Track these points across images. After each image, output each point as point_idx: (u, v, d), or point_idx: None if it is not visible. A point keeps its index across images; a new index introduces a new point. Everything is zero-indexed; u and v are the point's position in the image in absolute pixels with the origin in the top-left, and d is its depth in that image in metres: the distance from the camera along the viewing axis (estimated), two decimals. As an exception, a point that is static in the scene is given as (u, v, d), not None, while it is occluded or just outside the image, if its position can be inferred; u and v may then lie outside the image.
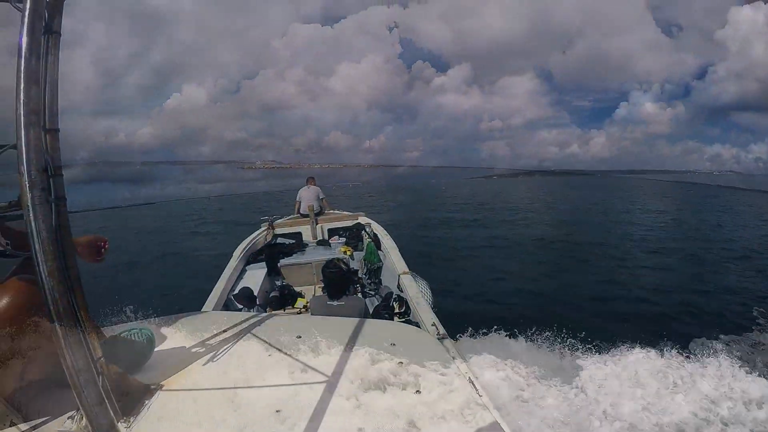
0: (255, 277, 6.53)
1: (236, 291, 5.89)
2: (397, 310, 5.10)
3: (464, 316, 8.13)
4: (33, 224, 0.53)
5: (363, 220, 9.54)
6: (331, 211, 10.91)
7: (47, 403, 1.35)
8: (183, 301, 9.92)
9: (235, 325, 1.82)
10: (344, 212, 10.81)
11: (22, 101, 0.54)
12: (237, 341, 1.66)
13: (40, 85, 1.05)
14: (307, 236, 9.43)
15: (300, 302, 6.19)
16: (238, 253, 7.32)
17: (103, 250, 1.83)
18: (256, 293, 5.85)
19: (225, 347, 1.61)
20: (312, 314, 4.27)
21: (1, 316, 1.14)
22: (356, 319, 1.79)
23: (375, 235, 8.15)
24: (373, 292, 6.15)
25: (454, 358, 1.49)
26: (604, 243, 17.05)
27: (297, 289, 6.53)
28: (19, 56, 0.86)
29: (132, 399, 1.27)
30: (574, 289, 10.51)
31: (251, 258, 7.53)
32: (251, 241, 8.15)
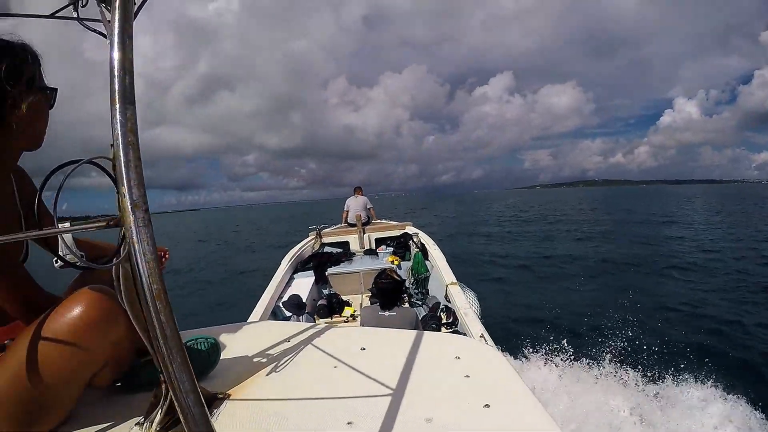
0: (303, 285, 6.59)
1: (284, 298, 5.96)
2: (444, 321, 5.08)
3: (512, 329, 8.02)
4: (137, 246, 0.53)
5: (410, 229, 9.53)
6: (379, 221, 10.97)
7: (113, 408, 1.38)
8: (231, 307, 10.10)
9: (296, 335, 1.83)
10: (391, 222, 10.84)
11: (119, 121, 0.55)
12: (300, 351, 1.67)
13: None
14: (354, 245, 9.50)
15: (347, 311, 6.23)
16: (287, 261, 7.41)
17: (163, 260, 1.87)
18: (304, 301, 5.92)
19: (288, 357, 1.62)
20: (363, 324, 4.28)
21: (74, 326, 1.15)
22: (418, 332, 1.78)
23: (422, 245, 8.12)
24: (420, 302, 6.14)
25: (519, 372, 1.47)
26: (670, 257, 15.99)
27: (344, 297, 6.58)
28: (112, 76, 0.90)
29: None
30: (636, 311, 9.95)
31: (299, 266, 7.62)
32: (299, 249, 8.24)
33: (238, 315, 8.97)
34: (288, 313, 5.59)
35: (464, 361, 1.52)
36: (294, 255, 7.75)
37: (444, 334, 1.89)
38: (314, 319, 5.77)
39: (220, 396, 1.37)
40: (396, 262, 7.69)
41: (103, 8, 1.08)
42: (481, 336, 3.94)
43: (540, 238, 22.52)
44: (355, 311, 6.18)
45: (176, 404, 0.76)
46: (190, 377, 0.66)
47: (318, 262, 7.49)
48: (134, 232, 0.53)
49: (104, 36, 1.10)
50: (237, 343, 1.70)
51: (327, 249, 8.93)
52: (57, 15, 1.10)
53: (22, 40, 1.37)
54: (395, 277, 4.32)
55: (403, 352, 1.60)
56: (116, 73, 0.59)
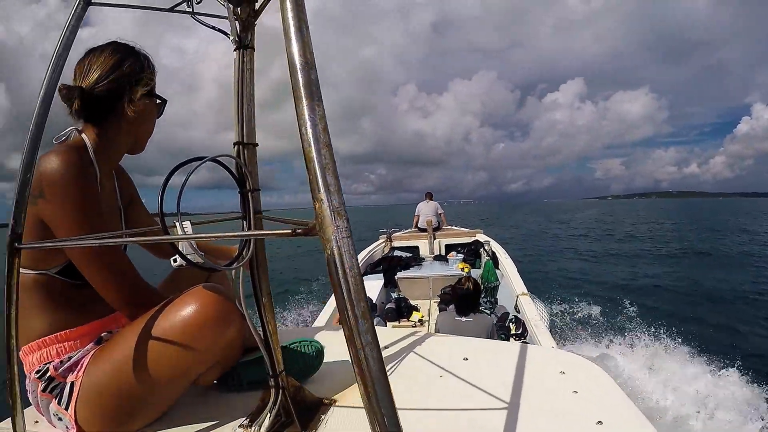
0: (372, 288, 6.62)
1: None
2: (513, 332, 4.98)
3: (582, 342, 7.73)
4: (341, 259, 0.50)
5: (481, 237, 9.41)
6: (449, 227, 10.91)
7: (213, 408, 1.38)
8: (298, 306, 10.24)
9: (396, 342, 1.81)
10: (462, 228, 10.76)
11: (309, 119, 0.52)
12: (401, 359, 1.64)
13: (240, 99, 1.10)
14: (424, 251, 9.48)
15: (415, 315, 6.21)
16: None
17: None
18: (374, 303, 5.94)
19: (391, 365, 1.60)
20: (439, 330, 4.28)
21: (188, 325, 1.15)
22: (520, 344, 1.73)
23: (493, 253, 8.00)
24: (488, 312, 6.05)
25: (623, 388, 1.40)
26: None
27: (413, 302, 6.56)
28: (293, 71, 0.89)
29: (309, 413, 1.28)
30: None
31: (369, 269, 7.67)
32: (369, 252, 8.29)
33: (305, 314, 9.12)
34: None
35: (570, 376, 1.47)
36: (364, 257, 7.81)
37: (547, 348, 1.83)
38: (384, 323, 5.77)
39: (326, 402, 1.35)
40: (466, 270, 7.61)
41: (226, 3, 1.09)
42: (552, 348, 3.86)
43: (625, 255, 21.02)
44: (423, 316, 6.15)
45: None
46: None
47: (388, 266, 7.52)
48: (336, 243, 0.50)
49: (224, 33, 1.12)
50: (335, 347, 1.68)
51: (397, 253, 8.95)
52: (176, 9, 1.11)
53: (145, 50, 1.45)
54: (472, 283, 4.30)
55: (506, 364, 1.56)
56: (298, 67, 0.56)
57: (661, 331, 7.61)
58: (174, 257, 1.24)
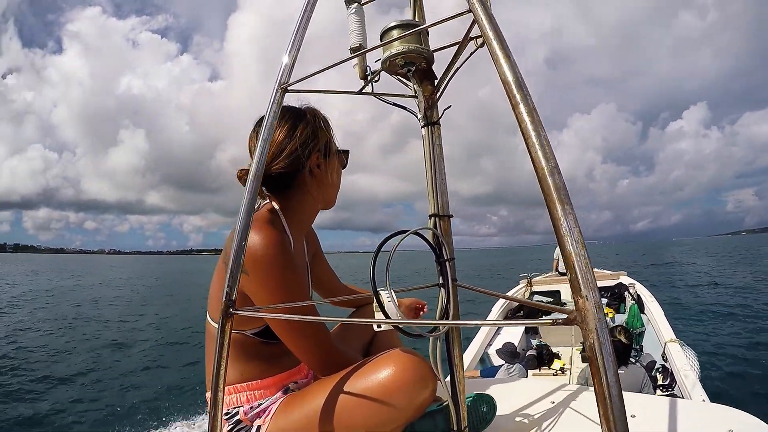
0: (513, 334, 6.48)
1: (494, 345, 5.91)
2: (660, 382, 4.65)
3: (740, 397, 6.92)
4: (600, 349, 0.56)
5: (625, 279, 8.89)
6: None
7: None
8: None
9: (548, 395, 1.78)
10: (604, 271, 10.24)
11: (565, 227, 0.60)
12: (561, 413, 1.62)
13: (434, 173, 1.18)
14: (565, 295, 9.10)
15: (557, 363, 5.99)
16: (497, 308, 7.37)
17: (421, 312, 1.93)
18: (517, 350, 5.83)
19: (551, 420, 1.58)
20: (588, 380, 4.10)
21: (385, 386, 1.18)
22: (684, 401, 1.64)
23: (638, 296, 7.54)
24: (633, 360, 5.70)
25: None
26: None
27: (554, 349, 6.33)
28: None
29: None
30: None
31: (510, 314, 7.52)
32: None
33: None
34: (500, 361, 5.53)
35: None
36: (504, 303, 7.67)
37: (712, 406, 1.70)
38: (526, 371, 5.62)
39: None
40: (610, 315, 7.24)
41: (411, 85, 1.17)
42: (703, 401, 3.53)
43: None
44: (564, 364, 5.92)
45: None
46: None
47: (529, 311, 7.32)
48: (597, 334, 0.56)
49: (411, 112, 1.21)
50: (500, 400, 1.70)
51: (537, 298, 8.70)
52: (363, 92, 1.22)
53: (309, 104, 1.51)
54: (623, 338, 4.12)
55: (675, 423, 1.48)
56: (546, 172, 0.63)
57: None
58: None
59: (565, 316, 0.61)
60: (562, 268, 9.88)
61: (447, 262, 1.17)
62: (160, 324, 17.81)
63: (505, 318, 7.33)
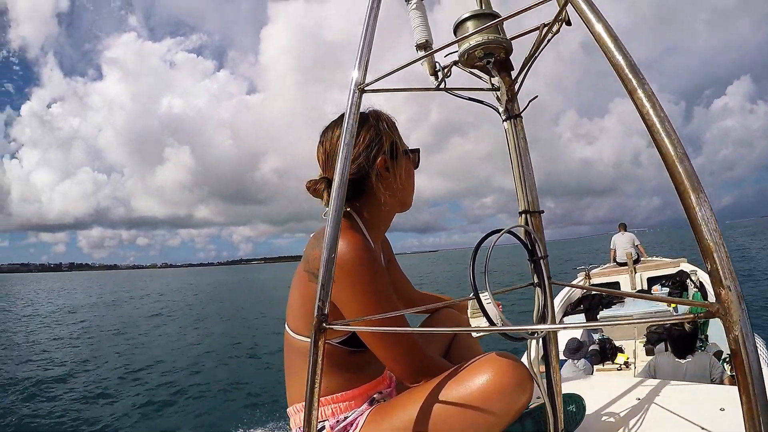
0: (573, 329, 6.32)
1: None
2: (728, 373, 4.46)
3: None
4: (744, 340, 0.53)
5: (686, 266, 8.56)
6: (649, 258, 10.14)
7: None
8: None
9: (629, 392, 1.71)
10: (664, 258, 9.93)
11: (701, 216, 0.56)
12: (645, 412, 1.54)
13: (521, 168, 1.13)
14: (625, 286, 8.86)
15: (620, 357, 5.83)
16: (557, 303, 7.19)
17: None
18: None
19: (638, 417, 1.51)
20: (656, 372, 4.02)
21: (485, 392, 1.14)
22: None
23: (701, 284, 7.25)
24: (699, 350, 5.50)
25: None
26: None
27: (617, 343, 6.16)
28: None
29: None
30: None
31: (569, 308, 7.36)
32: (568, 291, 7.95)
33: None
34: (562, 357, 5.40)
35: None
36: (564, 297, 7.49)
37: None
38: (591, 366, 5.48)
39: None
40: (672, 305, 6.98)
41: (491, 78, 1.12)
42: None
43: None
44: (628, 358, 5.75)
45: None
46: None
47: (589, 305, 7.14)
48: (742, 325, 0.52)
49: (492, 107, 1.16)
50: (594, 398, 1.64)
51: (580, 288, 8.48)
52: (439, 88, 1.18)
53: (371, 107, 1.45)
54: (687, 326, 4.05)
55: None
56: (676, 160, 0.59)
57: None
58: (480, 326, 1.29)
59: (703, 310, 0.57)
60: (620, 258, 9.58)
61: (541, 260, 1.11)
62: (217, 334, 18.19)
63: (565, 313, 7.17)
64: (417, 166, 1.54)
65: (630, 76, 0.67)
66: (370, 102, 1.41)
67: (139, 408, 9.32)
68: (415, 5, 1.34)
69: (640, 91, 0.65)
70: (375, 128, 1.40)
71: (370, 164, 1.38)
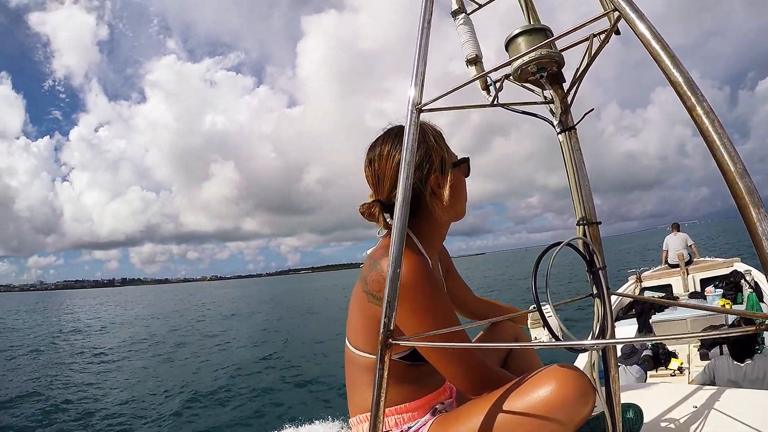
0: (625, 334, 6.17)
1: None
2: None
3: None
4: None
5: (739, 266, 8.22)
6: (702, 259, 9.80)
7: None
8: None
9: (688, 397, 1.68)
10: (717, 259, 9.57)
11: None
12: (705, 418, 1.52)
13: (577, 180, 1.13)
14: (678, 288, 8.59)
15: (674, 363, 5.66)
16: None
17: None
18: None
19: (700, 423, 1.48)
20: (716, 378, 3.92)
21: (549, 403, 1.14)
22: None
23: (756, 284, 6.96)
24: (758, 353, 5.31)
25: None
26: None
27: (670, 348, 5.98)
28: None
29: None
30: None
31: (620, 313, 7.20)
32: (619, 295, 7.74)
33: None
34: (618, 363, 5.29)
35: None
36: (615, 302, 7.33)
37: None
38: (645, 372, 5.35)
39: None
40: (728, 307, 6.75)
41: (543, 92, 1.14)
42: None
43: None
44: (682, 363, 5.58)
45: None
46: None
47: (641, 309, 6.96)
48: None
49: (547, 120, 1.17)
50: (652, 406, 1.62)
51: (648, 293, 8.26)
52: (496, 104, 1.19)
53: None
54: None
55: None
56: (736, 176, 0.60)
57: None
58: (538, 336, 1.30)
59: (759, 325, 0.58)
60: (671, 259, 9.29)
61: (600, 271, 1.12)
62: (271, 343, 18.44)
63: (616, 318, 7.01)
64: (468, 175, 1.53)
65: (688, 93, 0.68)
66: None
67: (209, 408, 9.80)
68: (462, 20, 1.36)
69: (699, 108, 0.66)
70: (424, 145, 1.39)
71: (423, 183, 1.38)
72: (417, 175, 1.35)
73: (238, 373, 13.05)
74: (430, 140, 1.41)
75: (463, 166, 1.50)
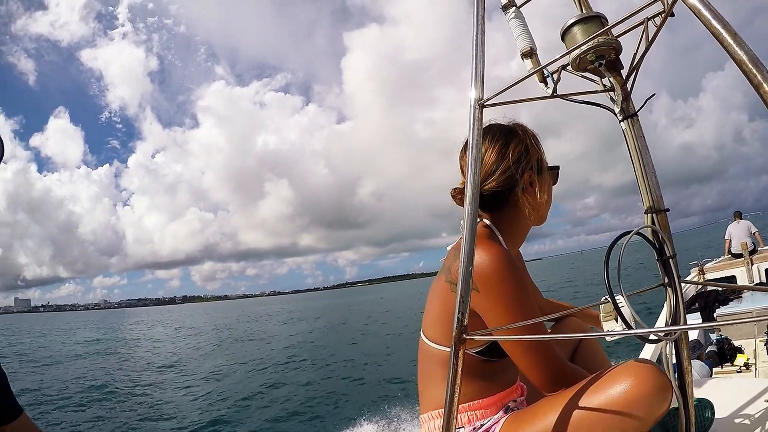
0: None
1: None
2: None
3: None
4: None
5: None
6: (767, 248, 9.39)
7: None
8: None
9: (765, 394, 1.63)
10: None
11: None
12: None
13: (643, 168, 1.11)
14: (742, 279, 8.21)
15: (740, 359, 5.44)
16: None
17: None
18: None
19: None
20: None
21: (628, 399, 1.12)
22: None
23: None
24: None
25: None
26: None
27: (735, 343, 5.74)
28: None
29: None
30: None
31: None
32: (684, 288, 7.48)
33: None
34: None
35: None
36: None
37: None
38: (710, 369, 5.17)
39: None
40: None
41: (602, 80, 1.12)
42: None
43: None
44: (748, 359, 5.36)
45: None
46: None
47: (704, 303, 6.70)
48: None
49: (608, 108, 1.16)
50: (721, 400, 1.58)
51: (711, 286, 7.97)
52: (556, 95, 1.18)
53: (515, 120, 1.49)
54: None
55: None
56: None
57: None
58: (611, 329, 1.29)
59: None
60: (735, 249, 8.90)
61: (670, 260, 1.10)
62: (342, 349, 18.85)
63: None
64: (555, 183, 1.54)
65: (754, 71, 0.66)
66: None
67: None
68: (513, 14, 1.36)
69: (766, 86, 0.65)
70: (524, 142, 1.43)
71: (518, 178, 1.40)
72: (514, 169, 1.39)
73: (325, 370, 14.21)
74: (529, 139, 1.45)
75: (553, 172, 1.52)
